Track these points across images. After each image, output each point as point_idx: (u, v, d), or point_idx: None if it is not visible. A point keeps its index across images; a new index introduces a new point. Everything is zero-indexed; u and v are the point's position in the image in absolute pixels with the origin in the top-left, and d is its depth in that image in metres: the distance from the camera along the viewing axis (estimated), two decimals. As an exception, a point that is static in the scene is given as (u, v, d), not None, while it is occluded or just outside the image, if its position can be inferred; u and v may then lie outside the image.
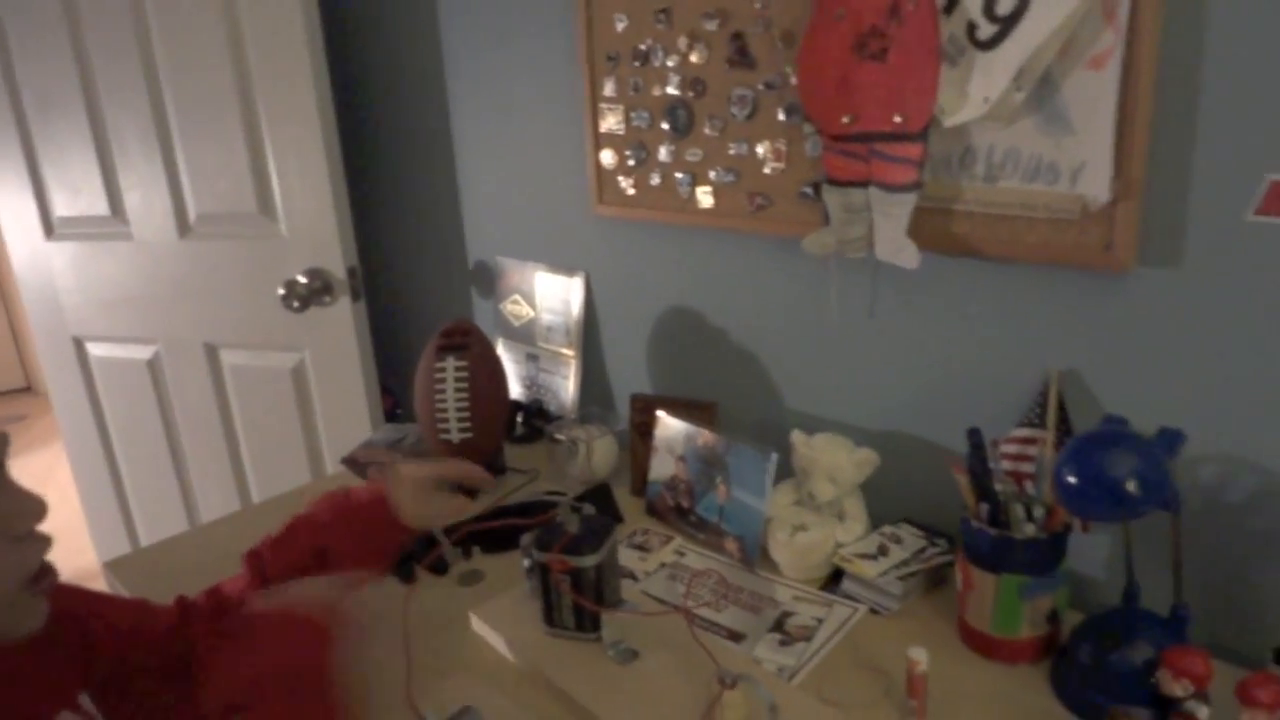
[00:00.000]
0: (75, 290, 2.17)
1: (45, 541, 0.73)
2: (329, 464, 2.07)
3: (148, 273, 2.06)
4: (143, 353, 2.16)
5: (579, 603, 1.09)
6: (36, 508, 0.71)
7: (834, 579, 1.26)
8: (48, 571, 0.73)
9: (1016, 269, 1.17)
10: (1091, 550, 1.19)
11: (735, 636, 1.16)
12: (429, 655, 1.14)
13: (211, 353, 2.09)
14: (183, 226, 1.99)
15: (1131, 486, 0.91)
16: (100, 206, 2.05)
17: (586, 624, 1.11)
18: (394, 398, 2.15)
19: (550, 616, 1.13)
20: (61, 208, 2.11)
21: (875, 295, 1.32)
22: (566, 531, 1.10)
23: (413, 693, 1.03)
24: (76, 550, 2.64)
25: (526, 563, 1.19)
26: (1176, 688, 0.93)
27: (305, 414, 2.06)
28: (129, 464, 2.32)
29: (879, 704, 1.04)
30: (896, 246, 1.19)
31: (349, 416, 2.00)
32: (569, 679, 1.06)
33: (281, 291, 1.87)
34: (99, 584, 2.63)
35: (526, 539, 1.17)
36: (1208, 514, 1.08)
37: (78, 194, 2.07)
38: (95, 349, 2.22)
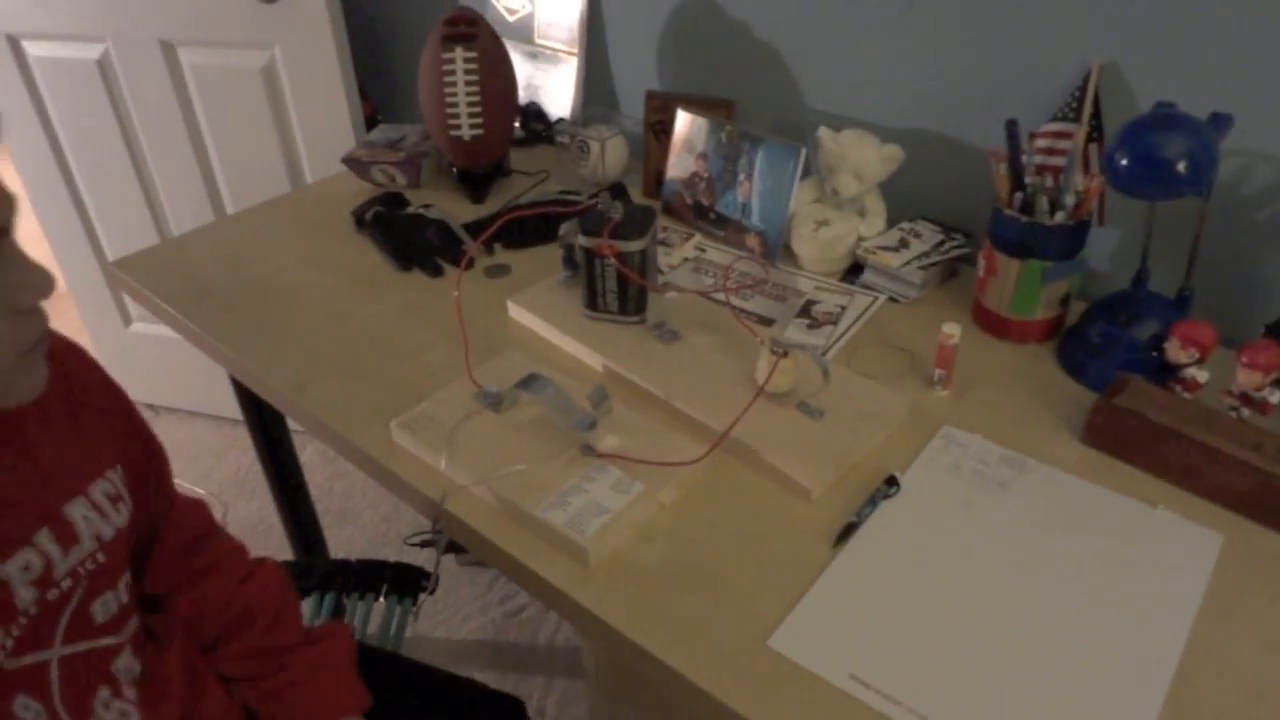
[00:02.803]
0: (4, -23, 1.95)
1: (44, 318, 0.69)
2: (308, 173, 2.00)
3: (88, -44, 1.86)
4: (90, 52, 1.99)
5: (630, 281, 1.12)
6: (43, 282, 0.66)
7: (851, 272, 1.32)
8: (43, 340, 0.69)
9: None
10: (1098, 245, 1.25)
11: (765, 321, 1.22)
12: (471, 341, 1.17)
13: (169, 50, 1.94)
14: (126, -100, 1.78)
15: (1182, 167, 0.94)
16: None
17: (630, 307, 1.15)
18: (373, 103, 2.05)
19: (593, 301, 1.16)
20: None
21: (912, -16, 1.28)
22: (611, 218, 1.11)
23: (471, 369, 1.07)
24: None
25: (565, 250, 1.20)
26: (1183, 355, 1.03)
27: (279, 119, 1.95)
28: (85, 176, 2.20)
29: (907, 376, 1.12)
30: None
31: (328, 121, 1.91)
32: (618, 356, 1.11)
33: (248, -22, 1.72)
34: (65, 302, 2.51)
35: (567, 227, 1.18)
36: (1220, 206, 1.14)
37: None
38: (34, 48, 2.04)
